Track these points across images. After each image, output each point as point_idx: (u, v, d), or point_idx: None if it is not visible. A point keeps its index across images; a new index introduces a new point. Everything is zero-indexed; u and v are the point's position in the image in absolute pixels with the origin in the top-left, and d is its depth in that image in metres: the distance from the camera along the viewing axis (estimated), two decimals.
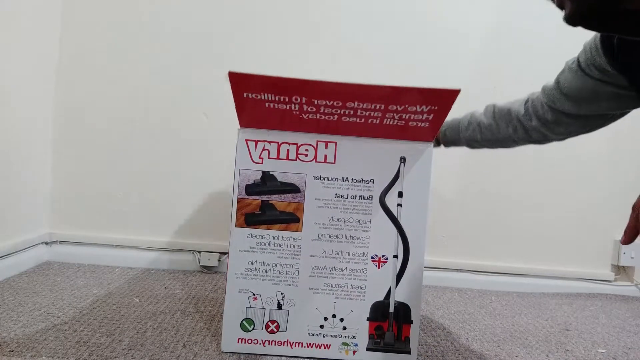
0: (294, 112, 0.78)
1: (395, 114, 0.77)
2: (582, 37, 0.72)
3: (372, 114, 0.77)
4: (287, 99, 0.75)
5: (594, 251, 1.55)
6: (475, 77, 1.46)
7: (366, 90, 0.72)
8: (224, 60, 1.41)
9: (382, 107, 0.75)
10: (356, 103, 0.75)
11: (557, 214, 1.52)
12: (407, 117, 0.78)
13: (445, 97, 0.73)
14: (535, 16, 1.45)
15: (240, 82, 0.73)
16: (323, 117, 0.79)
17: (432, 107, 0.75)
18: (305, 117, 0.80)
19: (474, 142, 0.97)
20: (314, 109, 0.77)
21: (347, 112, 0.77)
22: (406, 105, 0.75)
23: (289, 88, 0.73)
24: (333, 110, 0.77)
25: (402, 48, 1.44)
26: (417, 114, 0.77)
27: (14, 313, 0.95)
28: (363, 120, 0.79)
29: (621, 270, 1.57)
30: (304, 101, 0.75)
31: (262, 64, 1.41)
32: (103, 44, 1.39)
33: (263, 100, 0.76)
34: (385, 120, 0.78)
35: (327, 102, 0.75)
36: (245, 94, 0.75)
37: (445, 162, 1.47)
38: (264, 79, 0.72)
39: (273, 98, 0.75)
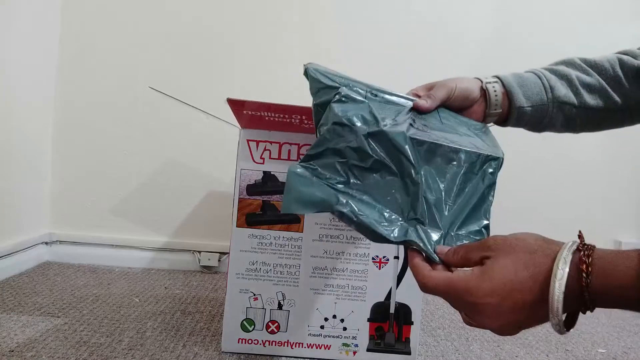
0: (294, 124, 0.79)
1: None
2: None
3: None
4: (286, 116, 0.76)
5: None
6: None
7: None
8: (225, 60, 1.41)
9: None
10: None
11: (557, 214, 1.52)
12: None
13: None
14: (535, 16, 1.45)
15: (239, 105, 0.74)
16: None
17: None
18: (306, 126, 0.80)
19: (570, 109, 0.62)
20: None
21: None
22: None
23: (287, 110, 0.74)
24: None
25: (402, 47, 1.44)
26: None
27: (14, 313, 0.94)
28: None
29: None
30: (304, 118, 0.76)
31: (263, 63, 1.41)
32: (103, 44, 1.38)
33: (262, 116, 0.77)
34: None
35: None
36: (245, 111, 0.76)
37: None
38: (261, 105, 0.72)
39: (272, 115, 0.76)
